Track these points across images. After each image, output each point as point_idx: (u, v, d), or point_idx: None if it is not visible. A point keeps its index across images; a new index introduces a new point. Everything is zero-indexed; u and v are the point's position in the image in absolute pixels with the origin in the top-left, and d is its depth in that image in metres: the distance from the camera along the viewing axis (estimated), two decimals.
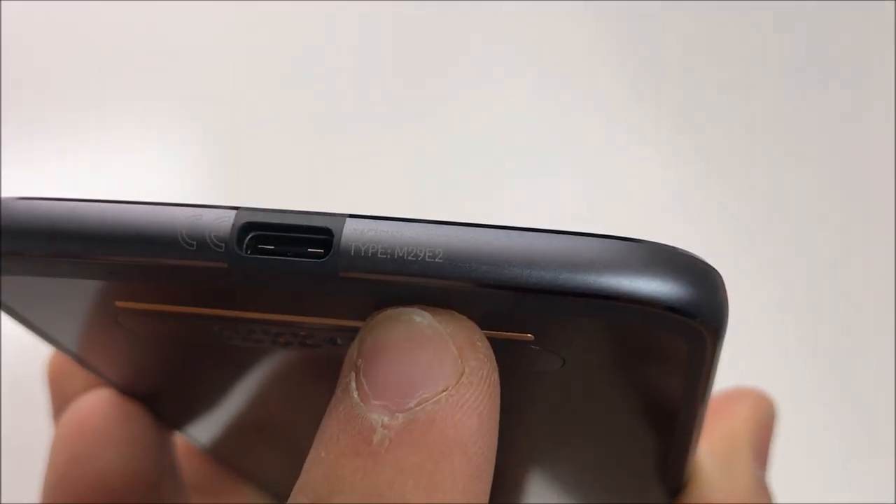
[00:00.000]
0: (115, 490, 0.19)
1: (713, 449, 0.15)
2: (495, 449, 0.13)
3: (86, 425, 0.19)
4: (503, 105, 0.52)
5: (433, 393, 0.13)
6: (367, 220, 0.13)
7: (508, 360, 0.14)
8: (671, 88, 0.53)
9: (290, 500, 0.13)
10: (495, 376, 0.13)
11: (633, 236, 0.13)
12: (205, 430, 0.22)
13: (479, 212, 0.50)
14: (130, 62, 0.52)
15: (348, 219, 0.13)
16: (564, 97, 0.53)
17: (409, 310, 0.13)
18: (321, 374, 0.15)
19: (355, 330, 0.14)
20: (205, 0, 0.52)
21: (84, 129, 0.51)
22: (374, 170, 0.51)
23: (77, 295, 0.15)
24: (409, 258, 0.12)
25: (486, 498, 0.13)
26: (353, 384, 0.13)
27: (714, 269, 0.13)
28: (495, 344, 0.14)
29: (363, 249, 0.12)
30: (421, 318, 0.13)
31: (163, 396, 0.20)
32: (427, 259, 0.12)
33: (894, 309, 0.45)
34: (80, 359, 0.19)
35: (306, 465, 0.13)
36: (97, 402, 0.19)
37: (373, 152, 0.51)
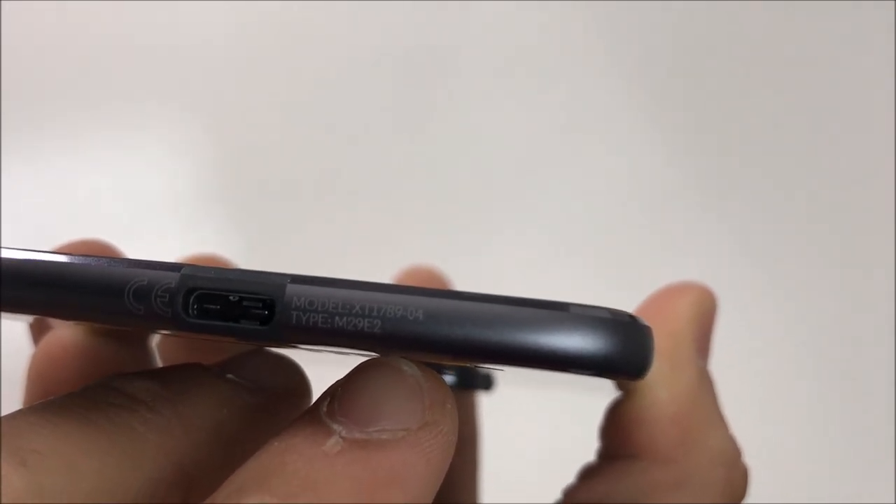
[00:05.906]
0: None
1: (658, 346, 0.15)
2: (432, 498, 0.14)
3: (56, 362, 0.20)
4: (500, 111, 0.52)
5: (393, 428, 0.14)
6: (307, 287, 0.14)
7: None
8: (673, 92, 0.53)
9: (230, 478, 0.14)
10: (453, 437, 0.15)
11: (566, 301, 0.13)
12: None
13: (474, 221, 0.50)
14: (130, 65, 0.52)
15: (289, 284, 0.14)
16: (561, 106, 0.53)
17: (399, 359, 0.15)
18: None
19: None
20: (205, 1, 0.52)
21: (85, 130, 0.51)
22: (370, 170, 0.51)
23: None
24: (349, 328, 0.13)
25: None
26: (324, 405, 0.14)
27: (637, 321, 0.14)
28: None
29: (304, 318, 0.14)
30: (408, 368, 0.14)
31: None
32: (366, 329, 0.13)
33: (894, 308, 0.45)
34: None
35: (257, 452, 0.14)
36: (66, 339, 0.20)
37: (369, 154, 0.51)
